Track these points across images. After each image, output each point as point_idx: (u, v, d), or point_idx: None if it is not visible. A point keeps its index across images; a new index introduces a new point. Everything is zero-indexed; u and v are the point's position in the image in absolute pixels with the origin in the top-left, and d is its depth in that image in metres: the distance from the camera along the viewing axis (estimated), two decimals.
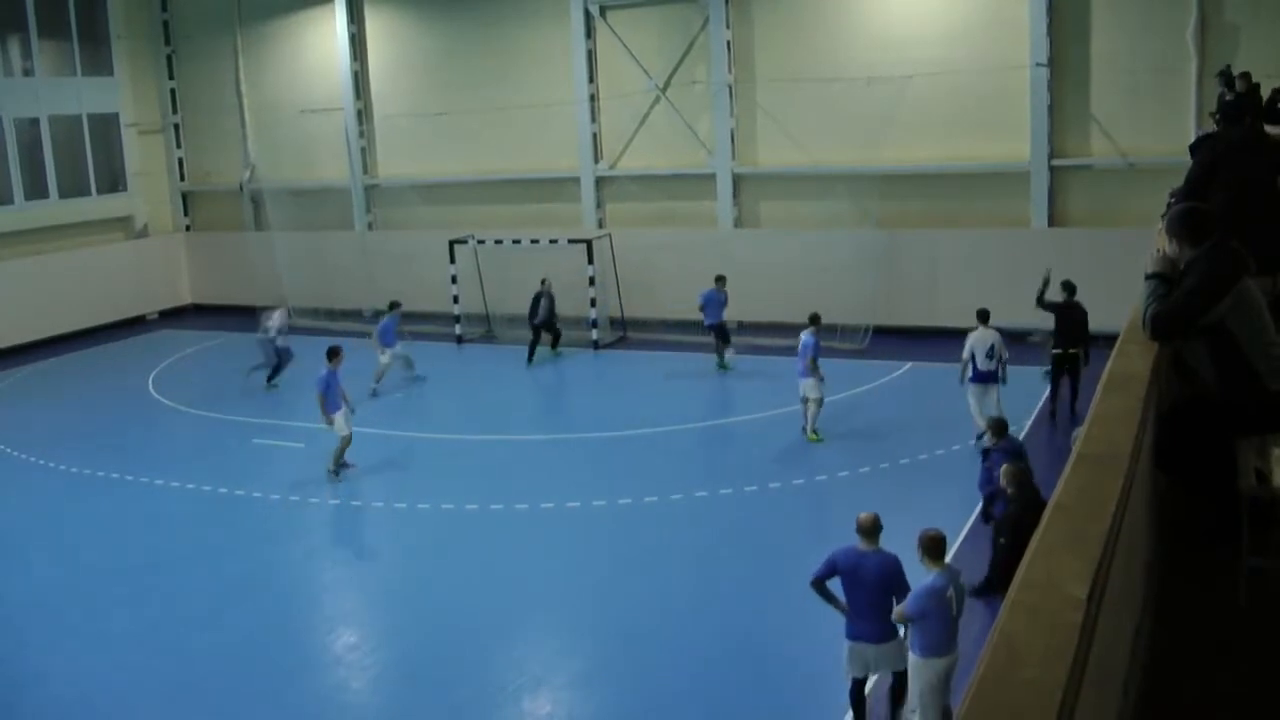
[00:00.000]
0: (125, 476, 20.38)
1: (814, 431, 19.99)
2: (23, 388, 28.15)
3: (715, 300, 24.73)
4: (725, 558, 15.66)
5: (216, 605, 15.06)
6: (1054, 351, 20.18)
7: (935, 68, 25.94)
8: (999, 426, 14.33)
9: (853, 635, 10.46)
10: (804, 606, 13.93)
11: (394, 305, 25.49)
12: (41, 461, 21.66)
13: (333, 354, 19.69)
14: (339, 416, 19.32)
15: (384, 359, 24.35)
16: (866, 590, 10.26)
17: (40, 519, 18.92)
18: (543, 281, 26.51)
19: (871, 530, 10.39)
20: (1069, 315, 20.01)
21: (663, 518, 17.19)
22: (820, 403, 20.02)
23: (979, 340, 18.93)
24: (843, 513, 16.51)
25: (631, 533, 16.80)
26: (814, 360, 19.64)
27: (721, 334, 24.94)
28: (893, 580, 10.23)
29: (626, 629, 13.66)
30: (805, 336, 19.90)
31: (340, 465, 19.31)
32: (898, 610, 10.07)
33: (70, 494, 19.91)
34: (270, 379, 25.26)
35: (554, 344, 26.69)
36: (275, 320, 25.34)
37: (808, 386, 19.94)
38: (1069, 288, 20.19)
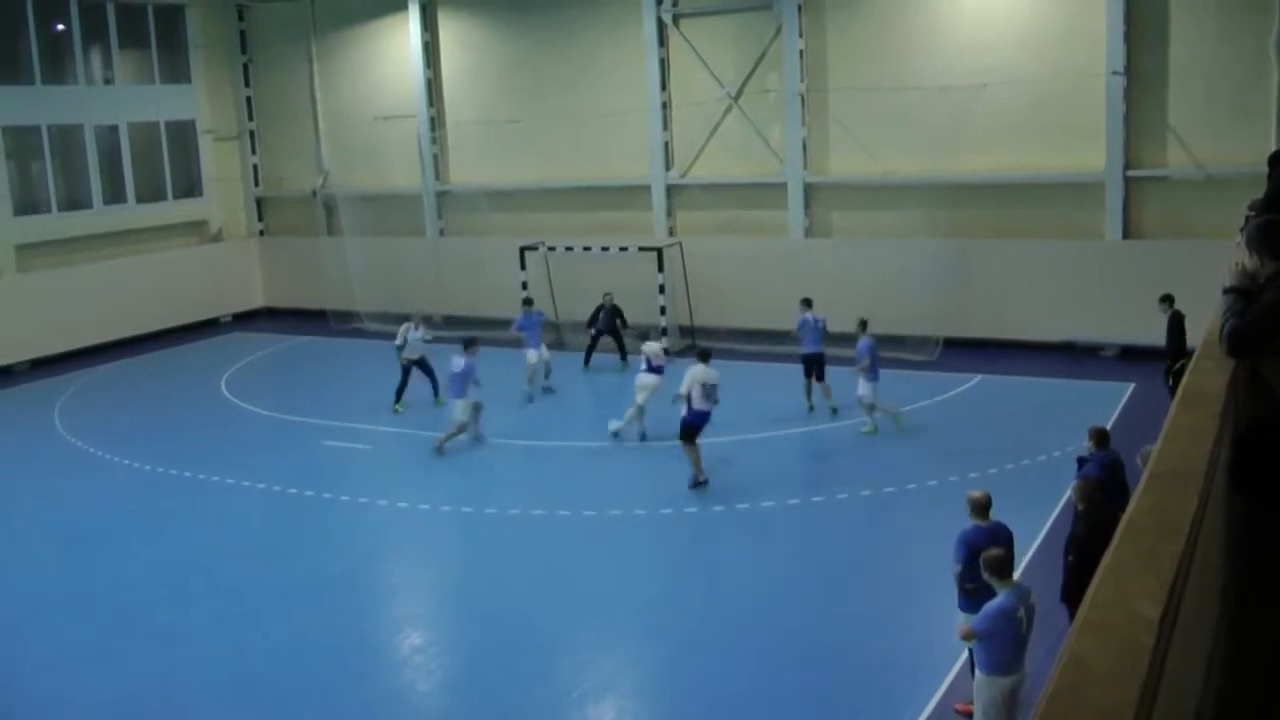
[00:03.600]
0: (198, 475, 20.68)
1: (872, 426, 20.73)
2: (100, 386, 28.65)
3: (806, 325, 22.33)
4: (790, 567, 15.60)
5: (282, 605, 15.22)
6: (1173, 367, 18.97)
7: (1008, 76, 25.69)
8: (1100, 435, 13.38)
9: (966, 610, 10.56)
10: (864, 615, 13.90)
11: (528, 301, 26.17)
12: (116, 458, 22.02)
13: (470, 344, 21.49)
14: (460, 403, 20.89)
15: (533, 359, 24.53)
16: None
17: (113, 514, 19.25)
18: (605, 295, 26.56)
19: (988, 506, 11.07)
20: (1181, 326, 19.55)
21: (728, 527, 17.17)
22: (872, 407, 20.42)
23: (703, 376, 18.30)
24: (909, 527, 16.54)
25: (696, 541, 16.80)
26: (870, 363, 20.13)
27: (816, 367, 22.36)
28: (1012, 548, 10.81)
29: (690, 636, 13.63)
30: (863, 341, 20.39)
31: (449, 440, 20.94)
32: (965, 627, 9.96)
33: (143, 491, 20.25)
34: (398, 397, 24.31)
35: (621, 356, 26.61)
36: (410, 332, 24.64)
37: (866, 390, 20.35)
38: (1170, 299, 19.82)
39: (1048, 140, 25.77)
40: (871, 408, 20.60)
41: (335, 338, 32.20)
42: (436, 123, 33.81)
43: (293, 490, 19.52)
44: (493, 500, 18.38)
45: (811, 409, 22.29)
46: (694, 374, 18.30)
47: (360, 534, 17.81)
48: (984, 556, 9.92)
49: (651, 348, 21.70)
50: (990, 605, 9.73)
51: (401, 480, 19.54)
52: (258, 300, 36.93)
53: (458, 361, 22.18)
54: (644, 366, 21.25)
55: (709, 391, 18.17)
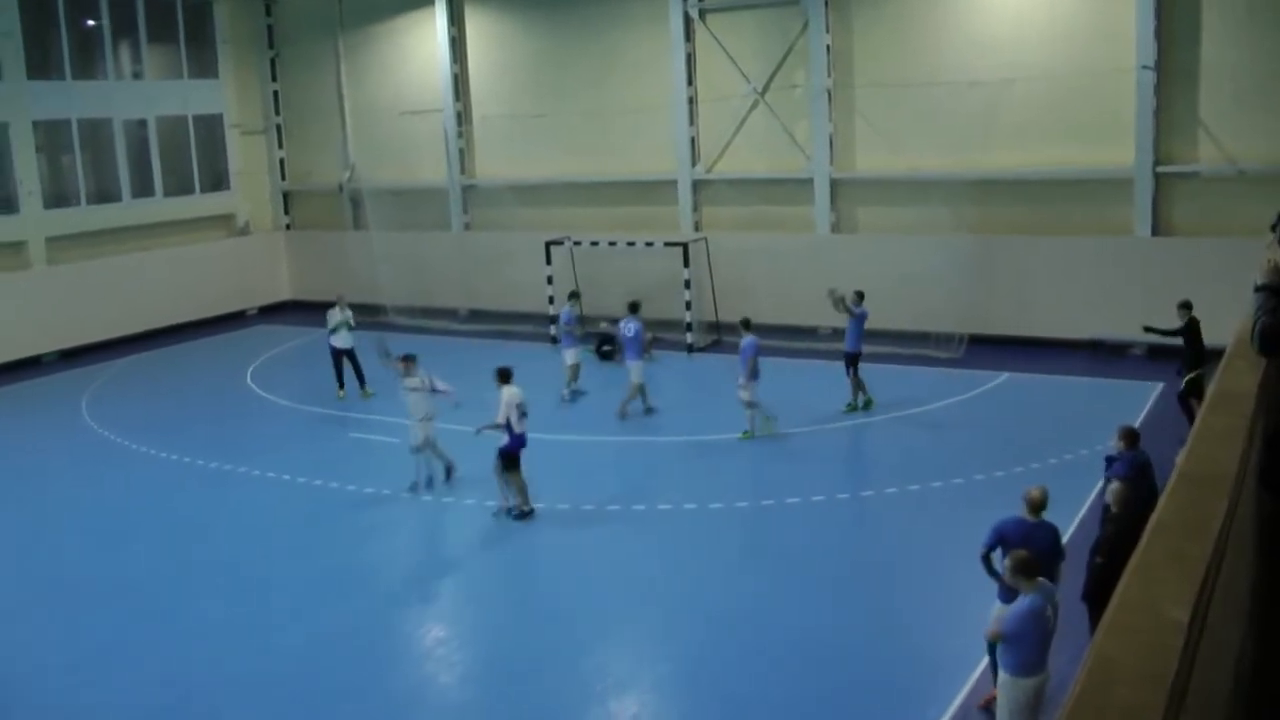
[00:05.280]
0: (223, 466, 20.79)
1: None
2: (127, 377, 28.88)
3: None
4: (814, 565, 15.56)
5: (306, 596, 15.28)
6: (1189, 376, 18.57)
7: (1036, 71, 25.55)
8: (1130, 435, 13.10)
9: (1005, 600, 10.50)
10: (889, 613, 13.85)
11: (573, 295, 25.74)
12: (142, 449, 22.15)
13: (635, 307, 22.93)
14: (637, 365, 22.26)
15: (571, 359, 24.25)
16: (1039, 558, 10.46)
17: (138, 505, 19.36)
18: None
19: (1042, 504, 11.00)
20: (1199, 334, 18.87)
21: (752, 523, 17.14)
22: (750, 405, 20.67)
23: (516, 397, 17.37)
24: (934, 525, 16.46)
25: (722, 536, 16.76)
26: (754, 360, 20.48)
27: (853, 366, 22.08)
28: (1058, 548, 10.99)
29: (714, 633, 13.60)
30: (747, 339, 20.71)
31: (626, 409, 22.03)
32: (994, 630, 9.88)
33: (168, 481, 20.38)
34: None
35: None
36: (334, 316, 24.82)
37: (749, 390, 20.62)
38: (1188, 305, 19.22)
39: (1076, 136, 25.60)
40: (750, 405, 20.65)
41: (361, 331, 32.23)
42: (463, 117, 33.84)
43: (318, 481, 19.58)
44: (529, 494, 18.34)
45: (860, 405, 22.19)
46: (507, 397, 17.21)
47: (384, 526, 17.86)
48: (1011, 555, 9.87)
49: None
50: (1019, 606, 9.66)
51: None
52: (284, 293, 37.07)
53: (629, 325, 22.45)
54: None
55: (524, 412, 17.41)
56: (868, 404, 22.05)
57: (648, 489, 18.73)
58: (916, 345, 25.60)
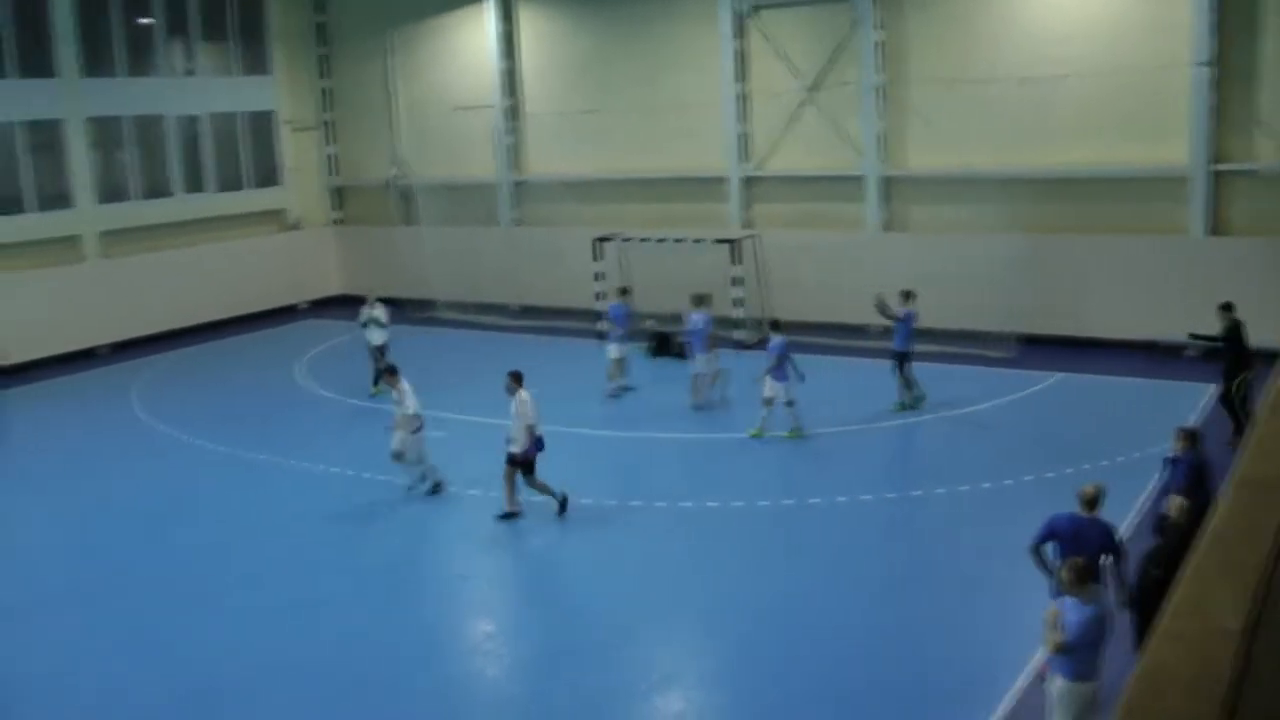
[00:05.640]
0: (272, 458, 20.96)
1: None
2: (178, 370, 29.22)
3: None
4: (863, 563, 15.50)
5: (351, 588, 15.39)
6: (1236, 379, 18.43)
7: (1090, 67, 25.27)
8: (1189, 436, 12.85)
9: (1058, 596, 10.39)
10: (936, 614, 13.73)
11: (623, 291, 25.65)
12: (192, 440, 22.38)
13: (701, 301, 22.97)
14: (703, 358, 22.61)
15: (614, 353, 24.24)
16: (1089, 554, 10.48)
17: (186, 495, 19.60)
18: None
19: (1096, 501, 11.03)
20: (1241, 337, 18.71)
21: (796, 521, 17.03)
22: (768, 403, 20.62)
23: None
24: (983, 526, 16.29)
25: (766, 534, 16.70)
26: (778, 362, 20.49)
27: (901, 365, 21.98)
28: (1110, 544, 10.94)
29: (762, 630, 13.55)
30: (776, 340, 20.82)
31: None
32: (1059, 641, 9.66)
33: (217, 473, 20.60)
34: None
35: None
36: (368, 312, 25.43)
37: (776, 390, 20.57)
38: (1230, 307, 19.08)
39: (1131, 133, 25.29)
40: (768, 403, 20.62)
41: (411, 325, 32.44)
42: (513, 113, 33.91)
43: (366, 475, 19.65)
44: (571, 489, 18.32)
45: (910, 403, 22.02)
46: (530, 401, 17.06)
47: (431, 520, 17.90)
48: (1069, 566, 9.76)
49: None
50: (1081, 615, 9.52)
51: (474, 467, 19.49)
52: (334, 288, 37.29)
53: (697, 318, 22.66)
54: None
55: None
56: (917, 402, 21.89)
57: (692, 485, 18.70)
58: (968, 344, 25.38)
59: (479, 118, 34.13)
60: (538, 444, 17.08)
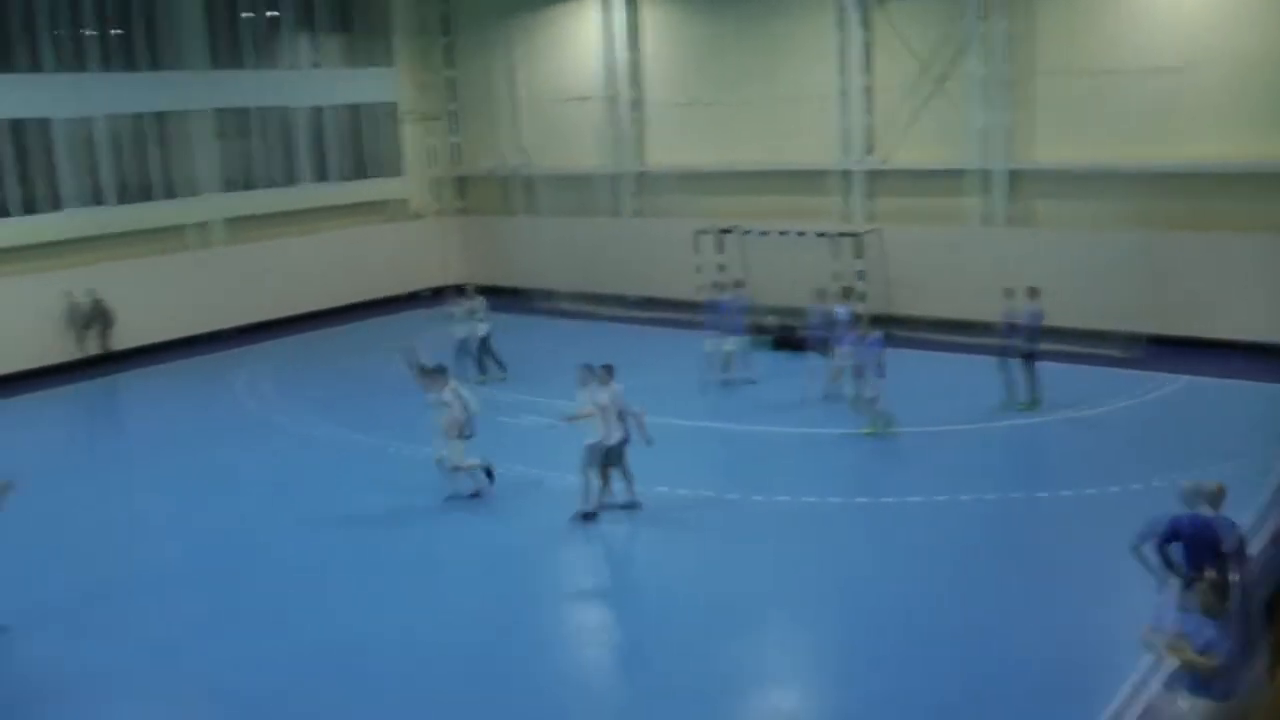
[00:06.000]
0: (389, 443, 21.27)
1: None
2: (299, 354, 30.01)
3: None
4: (972, 562, 15.26)
5: (464, 573, 15.63)
6: None
7: (1222, 55, 24.40)
8: None
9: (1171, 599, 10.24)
10: (1054, 614, 13.35)
11: (737, 284, 25.38)
12: (310, 425, 22.77)
13: (849, 293, 23.45)
14: (845, 351, 21.60)
15: (722, 346, 24.19)
16: (1212, 554, 10.38)
17: (304, 479, 20.02)
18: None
19: (1218, 499, 10.86)
20: None
21: (906, 519, 16.71)
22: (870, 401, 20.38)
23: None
24: (1099, 529, 15.75)
25: (879, 531, 16.46)
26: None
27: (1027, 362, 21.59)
28: (1232, 543, 10.66)
29: (870, 628, 13.38)
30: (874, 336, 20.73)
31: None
32: (1210, 664, 9.25)
33: (336, 457, 20.96)
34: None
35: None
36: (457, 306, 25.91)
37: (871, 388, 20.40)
38: None
39: (1263, 126, 24.37)
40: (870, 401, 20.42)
41: (529, 315, 32.53)
42: (632, 104, 33.84)
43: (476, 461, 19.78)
44: (687, 481, 18.22)
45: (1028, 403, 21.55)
46: (621, 393, 16.99)
47: (545, 508, 17.76)
48: (1209, 579, 9.47)
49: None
50: (1221, 633, 9.18)
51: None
52: (454, 276, 37.50)
53: (841, 311, 22.77)
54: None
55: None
56: (1034, 403, 21.38)
57: (797, 480, 18.51)
58: (1093, 344, 24.69)
59: (599, 108, 34.16)
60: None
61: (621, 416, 16.86)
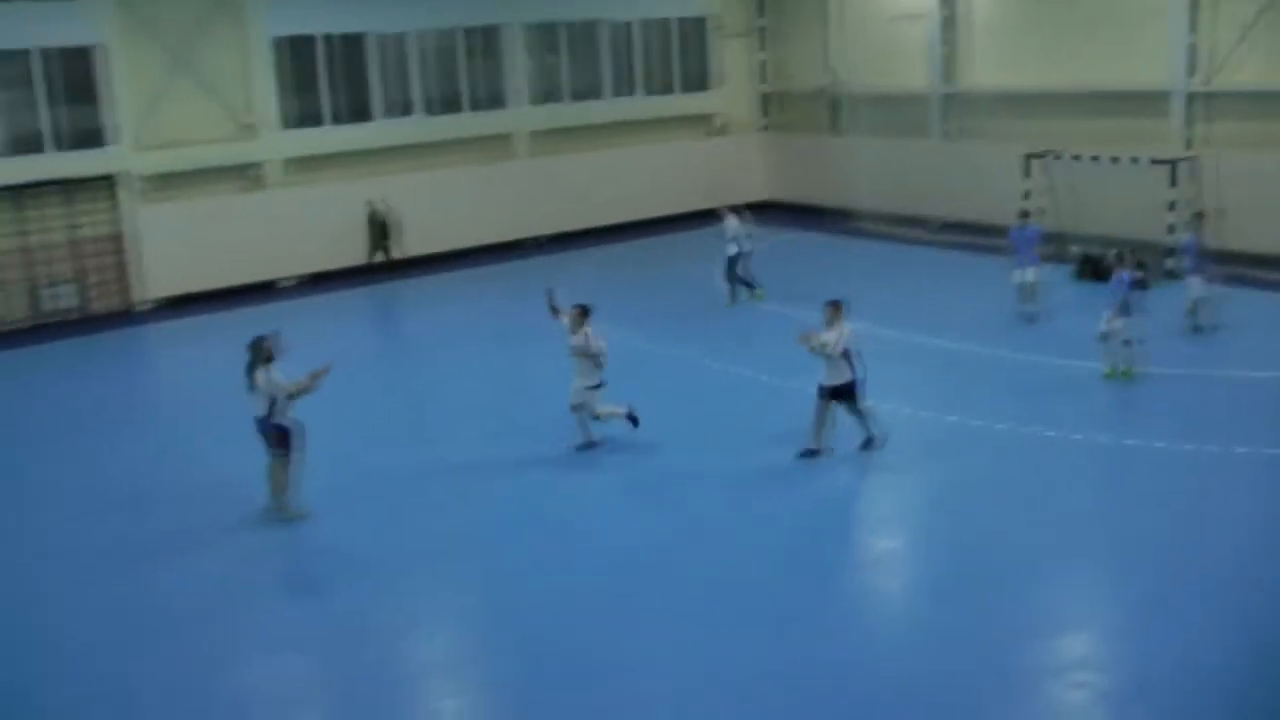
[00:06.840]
0: (699, 358, 21.70)
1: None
2: (605, 267, 30.68)
3: None
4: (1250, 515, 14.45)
5: (774, 498, 15.60)
6: None
7: None
8: None
9: None
10: None
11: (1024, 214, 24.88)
12: (618, 334, 23.17)
13: (1200, 216, 23.10)
14: (1196, 280, 21.56)
15: (1019, 278, 23.43)
16: None
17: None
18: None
19: None
20: None
21: (1235, 472, 15.80)
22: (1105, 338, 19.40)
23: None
24: None
25: (1197, 483, 15.58)
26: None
27: None
28: None
29: (1173, 582, 12.83)
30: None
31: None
32: None
33: (641, 370, 20.76)
34: None
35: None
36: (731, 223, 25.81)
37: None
38: None
39: None
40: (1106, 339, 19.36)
41: (835, 235, 32.35)
42: (948, 24, 32.86)
43: (764, 378, 20.17)
44: (972, 412, 17.91)
45: None
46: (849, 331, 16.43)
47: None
48: None
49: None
50: None
51: (890, 382, 18.73)
52: (760, 193, 37.43)
53: (1190, 241, 22.37)
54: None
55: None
56: None
57: (1084, 416, 17.90)
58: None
59: (914, 27, 33.37)
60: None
61: (847, 356, 16.33)
